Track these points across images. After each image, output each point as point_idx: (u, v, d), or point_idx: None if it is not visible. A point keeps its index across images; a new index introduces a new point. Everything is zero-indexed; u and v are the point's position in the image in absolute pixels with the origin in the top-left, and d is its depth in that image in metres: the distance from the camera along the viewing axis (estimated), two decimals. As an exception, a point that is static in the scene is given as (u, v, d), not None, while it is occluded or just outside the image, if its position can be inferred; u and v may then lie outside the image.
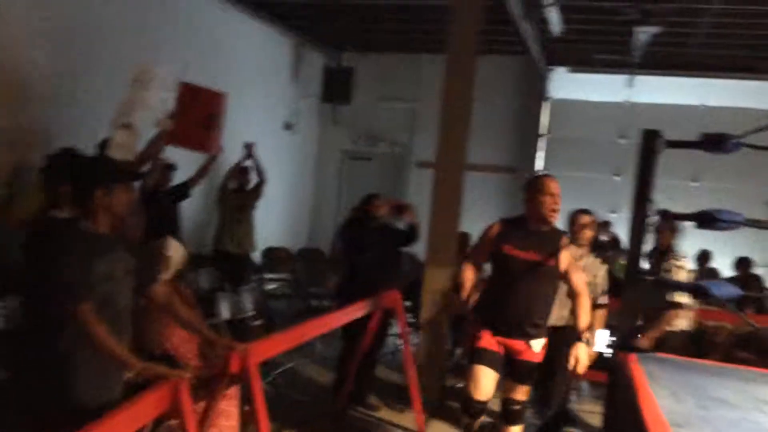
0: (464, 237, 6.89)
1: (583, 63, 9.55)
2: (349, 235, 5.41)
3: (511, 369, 3.62)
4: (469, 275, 3.55)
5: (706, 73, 9.04)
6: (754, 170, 8.80)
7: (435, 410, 5.20)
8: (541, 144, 9.98)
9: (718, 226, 3.30)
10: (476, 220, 8.39)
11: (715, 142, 3.45)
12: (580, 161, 9.70)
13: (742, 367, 4.29)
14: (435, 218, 5.23)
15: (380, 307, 4.51)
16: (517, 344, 3.58)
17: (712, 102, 9.14)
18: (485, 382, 3.46)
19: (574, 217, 4.54)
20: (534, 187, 3.55)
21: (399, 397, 5.27)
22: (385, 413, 5.16)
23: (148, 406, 2.27)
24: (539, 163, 9.97)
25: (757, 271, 7.77)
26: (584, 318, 3.56)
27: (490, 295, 3.60)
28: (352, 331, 4.78)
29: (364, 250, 5.23)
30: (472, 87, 5.21)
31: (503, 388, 3.67)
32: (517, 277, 3.47)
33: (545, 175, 3.62)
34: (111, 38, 6.02)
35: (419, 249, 6.10)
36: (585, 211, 4.65)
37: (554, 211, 3.47)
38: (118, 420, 2.13)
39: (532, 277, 3.50)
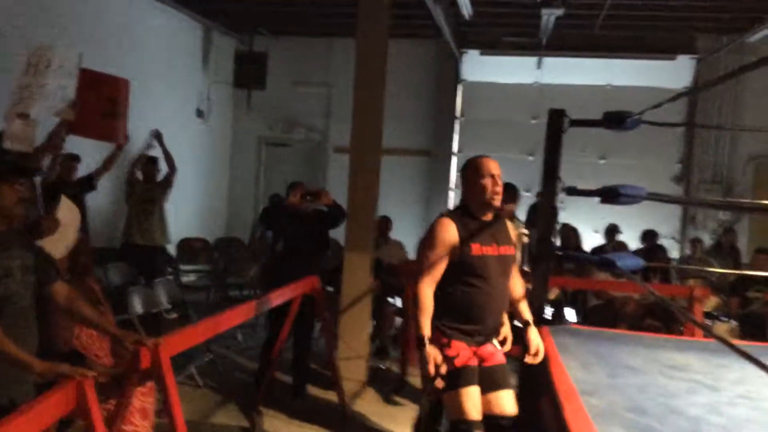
0: (384, 221, 6.92)
1: (493, 46, 9.72)
2: (270, 223, 5.35)
3: (488, 378, 3.06)
4: (430, 299, 2.95)
5: (610, 53, 9.36)
6: (661, 147, 9.21)
7: (359, 393, 5.21)
8: (457, 126, 10.11)
9: (621, 200, 3.42)
10: (395, 204, 8.48)
11: (615, 120, 3.58)
12: (494, 142, 9.87)
13: (649, 335, 4.51)
14: (353, 203, 5.21)
15: (299, 294, 4.46)
16: (489, 348, 3.14)
17: (618, 81, 9.48)
18: (477, 401, 2.95)
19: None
20: (472, 169, 3.13)
21: (322, 383, 5.25)
22: (310, 400, 5.13)
23: (50, 407, 2.16)
24: (455, 146, 10.11)
25: (663, 242, 8.15)
26: (525, 301, 3.48)
27: (461, 303, 3.02)
28: (277, 320, 4.71)
29: (285, 237, 5.20)
30: (385, 70, 5.21)
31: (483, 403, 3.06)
32: (491, 277, 3.03)
33: (482, 156, 3.18)
34: (7, 20, 5.68)
35: (340, 235, 6.09)
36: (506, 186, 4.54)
37: (497, 193, 3.07)
38: (18, 423, 2.02)
39: (503, 272, 3.10)
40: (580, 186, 3.72)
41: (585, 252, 7.26)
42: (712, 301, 5.60)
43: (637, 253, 6.89)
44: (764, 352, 3.57)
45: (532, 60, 9.56)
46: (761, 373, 2.97)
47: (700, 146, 9.37)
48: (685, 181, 9.41)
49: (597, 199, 3.50)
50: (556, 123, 3.79)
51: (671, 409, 2.54)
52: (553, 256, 3.87)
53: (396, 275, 6.29)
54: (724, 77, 8.04)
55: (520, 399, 3.79)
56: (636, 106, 3.86)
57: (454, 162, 10.13)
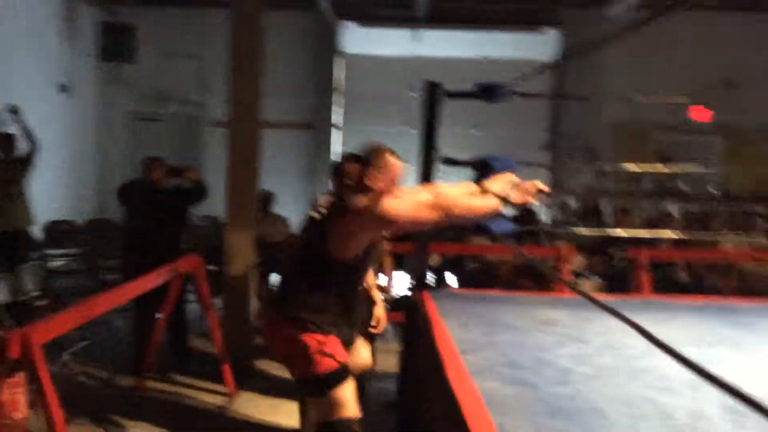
0: (266, 195, 6.84)
1: (371, 17, 9.75)
2: (126, 201, 5.13)
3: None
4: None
5: (484, 26, 9.64)
6: (531, 116, 9.63)
7: (245, 372, 5.17)
8: (337, 99, 10.10)
9: (493, 170, 3.56)
10: (276, 179, 8.37)
11: (488, 92, 3.71)
12: (375, 115, 9.97)
13: (519, 293, 4.76)
14: (233, 178, 5.10)
15: (179, 274, 4.34)
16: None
17: (492, 54, 9.78)
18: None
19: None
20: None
21: (207, 363, 5.17)
22: (194, 381, 5.04)
23: None
24: (336, 118, 10.11)
25: (534, 207, 8.57)
26: (371, 279, 3.59)
27: (341, 298, 2.77)
28: (143, 301, 4.51)
29: (141, 215, 5.04)
30: (262, 42, 5.10)
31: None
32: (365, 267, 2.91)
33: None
34: None
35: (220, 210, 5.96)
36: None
37: None
38: None
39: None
40: (454, 155, 3.85)
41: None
42: (578, 261, 5.96)
43: (510, 218, 7.22)
44: (623, 305, 3.86)
45: (409, 32, 9.68)
46: (622, 324, 3.22)
47: (566, 115, 9.89)
48: (553, 149, 9.91)
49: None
50: (432, 95, 3.88)
51: (543, 362, 2.71)
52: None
53: (281, 251, 6.25)
54: (583, 50, 8.49)
55: (405, 361, 3.92)
56: (509, 78, 4.03)
57: (336, 135, 10.14)
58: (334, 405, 2.63)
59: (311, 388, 2.69)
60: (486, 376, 2.47)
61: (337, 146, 10.11)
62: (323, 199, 2.98)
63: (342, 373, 2.65)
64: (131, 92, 9.85)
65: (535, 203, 2.75)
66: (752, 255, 6.02)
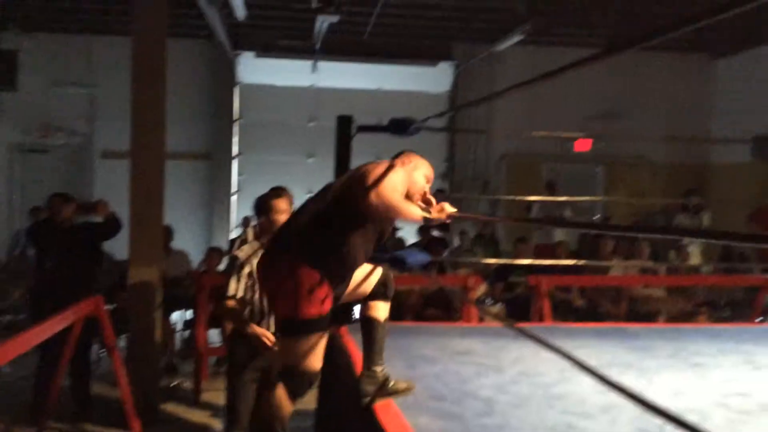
0: (165, 230, 6.61)
1: (269, 48, 9.73)
2: (35, 240, 4.94)
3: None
4: None
5: (380, 59, 9.85)
6: (429, 146, 9.77)
7: (151, 415, 4.94)
8: (236, 129, 9.97)
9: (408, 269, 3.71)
10: (175, 212, 8.12)
11: (399, 127, 3.81)
12: (274, 145, 9.91)
13: (433, 324, 4.86)
14: (136, 213, 4.91)
15: (81, 317, 4.12)
16: None
17: (388, 86, 10.00)
18: None
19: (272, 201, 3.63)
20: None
21: (111, 408, 4.90)
22: (97, 428, 4.77)
23: None
24: (235, 148, 9.97)
25: (435, 234, 8.76)
26: None
27: (343, 264, 2.71)
28: (44, 345, 4.27)
29: (51, 254, 4.85)
30: (165, 72, 4.98)
31: None
32: None
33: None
34: None
35: (119, 247, 5.72)
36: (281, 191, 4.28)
37: None
38: None
39: None
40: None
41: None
42: (481, 287, 6.15)
43: (415, 246, 7.36)
44: (533, 332, 4.03)
45: (307, 63, 9.73)
46: (534, 351, 3.35)
47: (461, 146, 10.25)
48: (450, 179, 10.22)
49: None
50: (344, 128, 3.93)
51: (466, 393, 2.78)
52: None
53: (182, 287, 6.08)
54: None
55: (323, 398, 3.88)
56: (404, 110, 4.17)
57: (235, 165, 9.98)
58: (302, 352, 2.58)
59: (290, 328, 2.62)
60: (415, 412, 2.50)
61: (235, 176, 9.96)
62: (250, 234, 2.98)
63: (321, 323, 2.58)
64: (14, 122, 9.29)
65: (447, 221, 2.84)
66: (641, 279, 6.45)
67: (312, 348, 2.58)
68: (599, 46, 8.96)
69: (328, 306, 2.58)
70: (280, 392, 2.60)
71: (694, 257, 8.03)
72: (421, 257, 3.76)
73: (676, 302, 6.33)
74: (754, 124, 9.15)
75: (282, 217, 3.38)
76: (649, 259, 6.88)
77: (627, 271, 6.54)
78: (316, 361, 2.61)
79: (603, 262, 6.55)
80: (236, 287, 3.41)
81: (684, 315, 6.07)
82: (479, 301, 6.43)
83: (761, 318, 5.92)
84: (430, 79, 10.08)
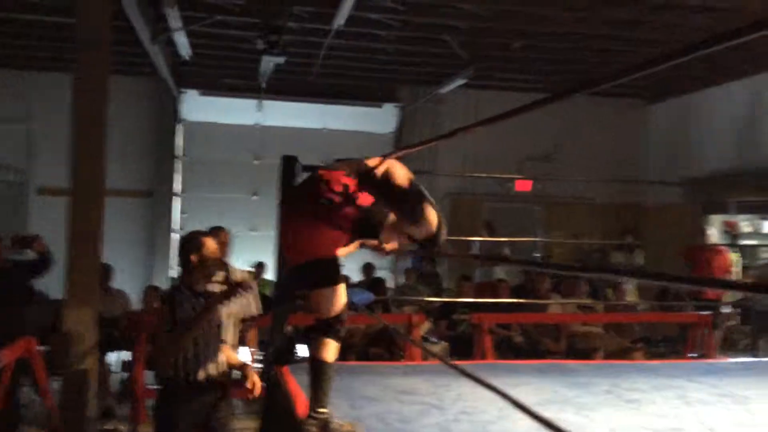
0: (104, 268, 6.45)
1: (213, 87, 9.73)
2: None
3: None
4: None
5: (326, 99, 9.96)
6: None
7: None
8: (178, 166, 9.86)
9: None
10: (114, 249, 7.94)
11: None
12: (218, 182, 9.84)
13: (377, 363, 4.86)
14: (73, 251, 4.78)
15: (12, 360, 3.96)
16: None
17: (333, 126, 10.09)
18: None
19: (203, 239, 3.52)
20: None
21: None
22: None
23: None
24: (177, 186, 9.84)
25: (380, 273, 8.80)
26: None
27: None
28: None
29: None
30: (106, 109, 4.92)
31: None
32: None
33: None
34: None
35: (53, 286, 5.55)
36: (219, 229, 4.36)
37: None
38: None
39: None
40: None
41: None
42: (425, 326, 6.18)
43: (360, 285, 7.37)
44: (476, 370, 4.07)
45: (253, 102, 9.75)
46: (476, 389, 3.39)
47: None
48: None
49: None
50: (289, 168, 3.95)
51: (409, 433, 2.79)
52: (293, 297, 4.00)
53: (119, 328, 5.92)
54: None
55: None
56: (349, 149, 4.22)
57: (177, 203, 9.84)
58: (336, 299, 2.82)
59: (324, 328, 2.82)
60: (358, 453, 2.49)
61: (177, 214, 9.81)
62: None
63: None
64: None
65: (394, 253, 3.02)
66: (579, 317, 6.60)
67: (341, 294, 2.86)
68: (537, 90, 9.31)
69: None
70: (326, 342, 2.80)
71: (630, 295, 8.27)
72: (366, 296, 3.79)
73: (613, 339, 6.49)
74: (685, 168, 9.60)
75: (213, 255, 3.37)
76: (587, 296, 7.05)
77: (565, 308, 6.68)
78: (335, 354, 2.86)
79: (542, 300, 6.69)
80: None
81: (621, 351, 6.23)
82: (423, 339, 6.46)
83: (694, 354, 6.12)
84: (375, 120, 10.23)
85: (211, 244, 3.40)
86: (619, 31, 7.19)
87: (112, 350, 6.24)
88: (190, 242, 3.41)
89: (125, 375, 6.41)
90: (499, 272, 8.79)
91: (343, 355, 5.67)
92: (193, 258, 3.34)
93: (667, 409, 3.18)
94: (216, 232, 4.15)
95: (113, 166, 6.63)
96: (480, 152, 9.57)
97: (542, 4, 6.45)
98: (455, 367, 2.74)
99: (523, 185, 10.32)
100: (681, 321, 6.76)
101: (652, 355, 6.55)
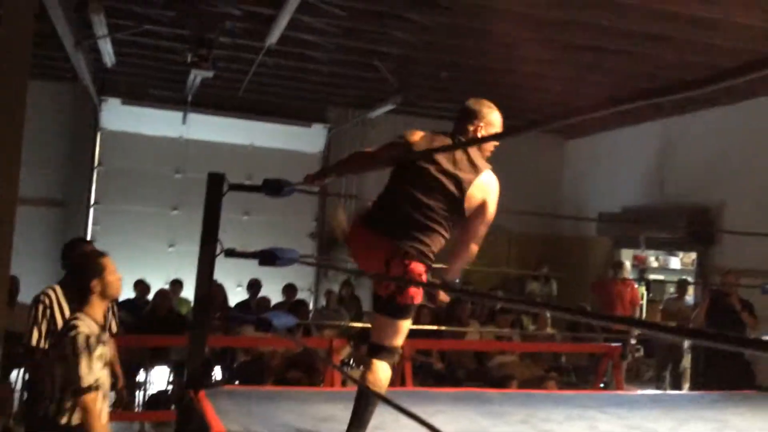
0: (12, 282, 6.13)
1: (137, 96, 9.47)
2: None
3: None
4: None
5: (254, 115, 9.86)
6: (300, 205, 9.89)
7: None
8: (95, 176, 9.51)
9: (278, 263, 3.64)
10: (23, 261, 7.56)
11: (273, 187, 3.81)
12: (136, 194, 9.54)
13: (296, 389, 4.79)
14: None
15: None
16: None
17: (260, 142, 9.99)
18: None
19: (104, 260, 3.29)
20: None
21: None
22: None
23: None
24: (93, 196, 9.48)
25: (301, 294, 8.73)
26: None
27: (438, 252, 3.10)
28: None
29: None
30: (23, 114, 4.70)
31: None
32: None
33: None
34: None
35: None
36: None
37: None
38: None
39: None
40: (226, 243, 3.85)
41: (230, 308, 7.41)
42: (346, 350, 6.16)
43: (280, 307, 7.28)
44: (394, 396, 4.07)
45: (177, 114, 9.54)
46: (395, 416, 3.40)
47: (332, 206, 10.36)
48: (319, 237, 10.26)
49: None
50: (215, 187, 3.87)
51: (328, 462, 2.76)
52: (210, 318, 3.91)
53: (24, 345, 5.59)
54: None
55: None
56: (276, 167, 4.19)
57: (92, 213, 9.48)
58: (396, 331, 2.88)
59: (390, 309, 2.86)
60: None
61: (91, 226, 9.44)
62: None
63: (413, 309, 2.89)
64: None
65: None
66: (496, 344, 6.73)
67: (405, 329, 2.92)
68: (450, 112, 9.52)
69: (419, 298, 2.87)
70: (376, 365, 2.87)
71: (544, 324, 8.50)
72: (288, 320, 3.73)
73: (527, 367, 6.65)
74: (598, 203, 10.01)
75: (117, 282, 3.15)
76: (510, 325, 7.21)
77: (483, 336, 6.81)
78: (402, 340, 2.94)
79: (462, 326, 6.79)
80: (91, 373, 2.92)
81: (535, 380, 6.39)
82: (343, 364, 6.44)
83: (603, 384, 6.34)
84: (303, 139, 10.20)
85: (111, 266, 3.15)
86: (546, 68, 7.47)
87: (16, 368, 5.92)
88: (90, 264, 3.10)
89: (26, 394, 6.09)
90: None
91: (260, 379, 5.60)
92: (95, 284, 3.06)
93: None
94: (96, 250, 3.84)
95: (27, 173, 6.34)
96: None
97: (472, 36, 6.63)
98: (375, 394, 2.75)
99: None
100: (592, 351, 7.00)
101: (563, 384, 6.75)
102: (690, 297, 8.29)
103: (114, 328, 4.10)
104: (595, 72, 7.36)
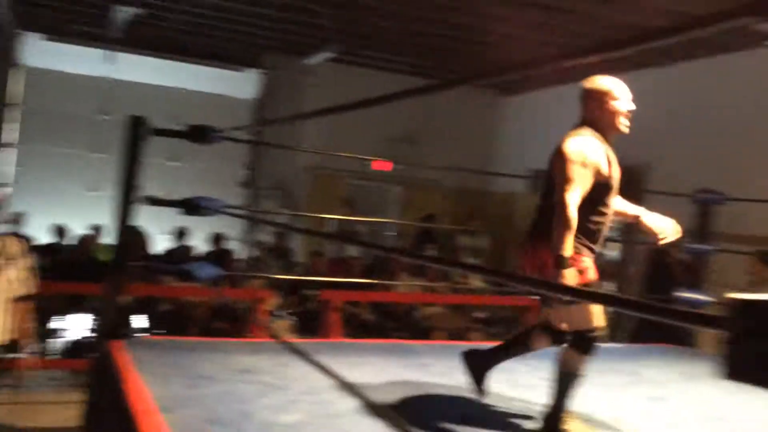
0: None
1: (60, 32, 8.94)
2: None
3: None
4: (576, 219, 2.85)
5: (185, 57, 9.47)
6: (229, 153, 9.64)
7: None
8: (14, 115, 9.00)
9: (202, 212, 3.53)
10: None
11: (199, 134, 3.66)
12: (58, 136, 9.11)
13: (221, 340, 4.71)
14: None
15: None
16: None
17: (191, 86, 9.64)
18: (600, 311, 2.94)
19: None
20: (605, 92, 3.04)
21: None
22: None
23: None
24: (12, 135, 8.99)
25: (230, 244, 8.57)
26: None
27: (596, 224, 2.97)
28: None
29: None
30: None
31: None
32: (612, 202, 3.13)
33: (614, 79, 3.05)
34: None
35: None
36: None
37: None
38: None
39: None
40: (153, 189, 3.70)
41: (153, 256, 7.22)
42: (273, 301, 6.10)
43: (207, 256, 7.13)
44: (320, 348, 4.05)
45: (102, 52, 9.07)
46: (320, 367, 3.37)
47: (264, 155, 10.14)
48: (251, 187, 10.06)
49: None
50: (136, 131, 3.69)
51: (245, 415, 2.71)
52: (127, 266, 3.76)
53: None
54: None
55: (90, 420, 3.59)
56: (205, 112, 4.04)
57: (13, 154, 9.00)
58: (582, 315, 2.80)
59: (574, 340, 2.84)
60: (189, 436, 2.39)
61: (8, 166, 8.98)
62: None
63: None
64: None
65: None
66: (424, 297, 6.79)
67: (588, 310, 2.81)
68: (404, 72, 9.40)
69: (588, 275, 2.80)
70: (570, 354, 2.83)
71: (474, 277, 8.63)
72: (211, 270, 3.64)
73: (454, 319, 6.75)
74: (531, 160, 10.12)
75: None
76: (437, 277, 7.28)
77: (413, 289, 6.85)
78: (596, 319, 2.82)
79: (394, 278, 6.81)
80: None
81: (461, 331, 6.50)
82: (271, 315, 6.38)
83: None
84: (235, 84, 9.89)
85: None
86: (492, 24, 7.38)
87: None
88: None
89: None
90: (353, 249, 8.85)
91: (184, 330, 5.49)
92: None
93: (494, 393, 3.33)
94: None
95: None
96: (343, 128, 9.52)
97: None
98: (296, 344, 2.71)
99: (382, 165, 10.41)
100: (515, 304, 7.14)
101: (489, 336, 6.89)
102: (615, 252, 8.52)
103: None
104: (540, 30, 7.33)
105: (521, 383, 3.60)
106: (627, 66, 7.80)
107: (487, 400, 3.21)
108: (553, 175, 2.88)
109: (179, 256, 7.13)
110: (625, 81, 3.10)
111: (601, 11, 6.50)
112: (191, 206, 3.46)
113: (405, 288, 6.83)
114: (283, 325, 5.71)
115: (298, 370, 3.47)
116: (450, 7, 6.93)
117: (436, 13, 7.19)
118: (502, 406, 3.20)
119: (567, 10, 6.61)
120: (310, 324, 5.81)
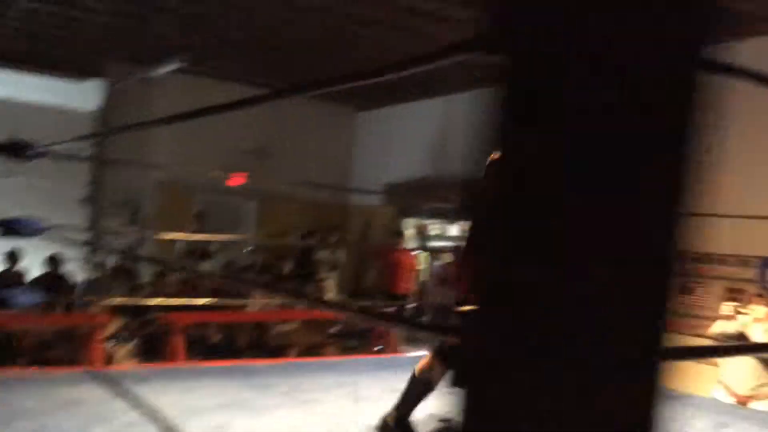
0: None
1: None
2: None
3: None
4: None
5: (15, 65, 8.80)
6: (71, 168, 9.01)
7: None
8: None
9: (22, 235, 3.28)
10: None
11: (13, 150, 3.38)
12: None
13: (50, 370, 4.39)
14: None
15: None
16: None
17: (22, 97, 8.97)
18: None
19: None
20: None
21: None
22: None
23: None
24: None
25: (69, 266, 7.99)
26: None
27: None
28: None
29: None
30: None
31: None
32: None
33: None
34: None
35: None
36: None
37: None
38: None
39: None
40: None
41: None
42: (113, 325, 5.76)
43: (39, 280, 6.64)
44: (156, 374, 3.88)
45: None
46: (153, 395, 3.23)
47: (111, 170, 9.60)
48: (94, 203, 9.48)
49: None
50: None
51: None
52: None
53: None
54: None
55: None
56: (43, 125, 3.73)
57: None
58: None
59: None
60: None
61: None
62: None
63: None
64: None
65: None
66: (275, 314, 6.69)
67: None
68: (257, 84, 9.26)
69: None
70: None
71: (330, 291, 8.66)
72: (29, 298, 3.39)
73: (307, 335, 6.71)
74: (386, 174, 10.34)
75: None
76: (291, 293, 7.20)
77: (266, 306, 6.74)
78: None
79: (245, 296, 6.66)
80: None
81: (315, 346, 6.46)
82: (113, 339, 6.04)
83: (379, 347, 6.59)
84: (74, 95, 9.32)
85: None
86: (338, 35, 7.45)
87: None
88: None
89: None
90: (207, 265, 8.58)
91: (14, 360, 5.05)
92: None
93: (336, 407, 3.34)
94: None
95: None
96: (194, 141, 9.23)
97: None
98: (129, 373, 2.57)
99: (236, 179, 10.18)
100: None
101: (344, 349, 6.91)
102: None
103: None
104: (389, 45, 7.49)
105: (364, 396, 3.64)
106: (468, 86, 8.20)
107: (330, 414, 3.22)
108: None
109: (6, 280, 6.54)
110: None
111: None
112: (7, 228, 3.20)
113: (257, 306, 6.71)
114: (122, 350, 5.41)
115: (130, 399, 3.30)
116: (299, 19, 6.94)
117: (285, 24, 7.17)
118: (340, 420, 3.21)
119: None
120: (154, 348, 5.55)
